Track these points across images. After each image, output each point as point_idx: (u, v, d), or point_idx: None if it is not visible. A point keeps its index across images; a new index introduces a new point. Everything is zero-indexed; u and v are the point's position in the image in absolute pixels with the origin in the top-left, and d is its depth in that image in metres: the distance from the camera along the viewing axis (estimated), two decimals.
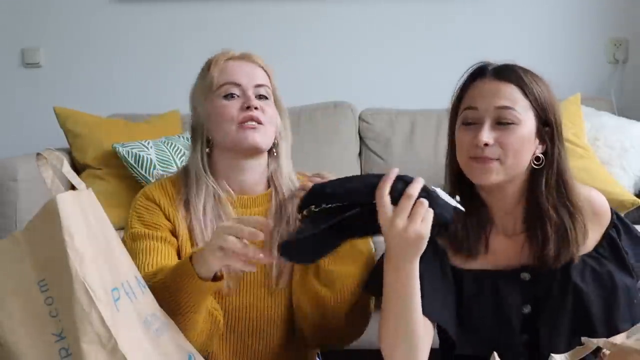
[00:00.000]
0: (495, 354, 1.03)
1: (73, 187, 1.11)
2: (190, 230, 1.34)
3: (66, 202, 1.04)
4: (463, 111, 1.25)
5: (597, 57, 2.99)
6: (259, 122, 1.34)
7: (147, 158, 2.41)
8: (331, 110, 2.78)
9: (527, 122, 1.22)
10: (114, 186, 2.45)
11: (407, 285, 1.12)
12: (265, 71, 1.41)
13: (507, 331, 1.24)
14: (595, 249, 1.28)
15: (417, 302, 1.14)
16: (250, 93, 1.36)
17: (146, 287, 1.16)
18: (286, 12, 2.99)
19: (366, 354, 1.44)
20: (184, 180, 1.38)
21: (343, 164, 2.68)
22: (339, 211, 1.11)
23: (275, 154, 1.41)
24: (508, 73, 1.24)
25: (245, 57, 1.41)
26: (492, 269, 1.27)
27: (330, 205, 1.12)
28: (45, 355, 1.02)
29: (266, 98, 1.38)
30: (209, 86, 1.37)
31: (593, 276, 1.25)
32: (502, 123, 1.21)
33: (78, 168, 2.54)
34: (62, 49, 3.01)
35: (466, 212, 1.24)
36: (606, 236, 1.28)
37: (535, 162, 1.25)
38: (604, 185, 2.22)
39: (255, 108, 1.34)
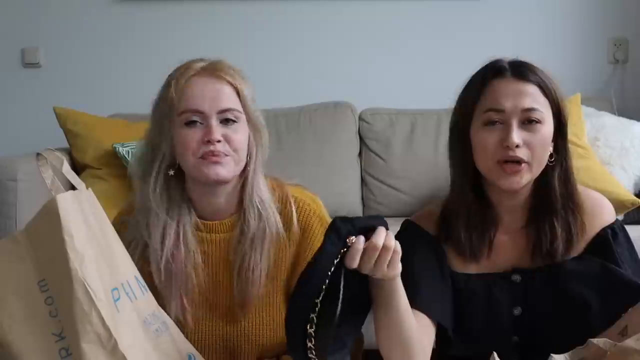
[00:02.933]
0: (495, 353, 1.03)
1: (73, 187, 1.11)
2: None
3: (66, 202, 1.04)
4: (485, 112, 1.21)
5: (597, 57, 2.99)
6: (225, 154, 1.24)
7: None
8: (331, 110, 2.77)
9: (548, 120, 1.22)
10: (114, 186, 2.44)
11: (391, 297, 1.11)
12: (233, 86, 1.26)
13: (498, 332, 1.24)
14: (586, 248, 1.26)
15: (404, 311, 1.13)
16: (213, 121, 1.23)
17: (146, 287, 1.16)
18: (287, 12, 2.98)
19: (366, 354, 1.44)
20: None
21: (343, 164, 2.67)
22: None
23: (248, 172, 1.30)
24: (527, 72, 1.22)
25: (210, 71, 1.26)
26: (486, 272, 1.27)
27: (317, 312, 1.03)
28: (45, 355, 1.02)
29: (234, 122, 1.25)
30: (169, 110, 1.25)
31: (585, 272, 1.23)
32: (528, 123, 1.20)
33: (78, 168, 2.53)
34: (62, 49, 3.00)
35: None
36: (599, 235, 1.26)
37: (549, 160, 1.24)
38: (604, 185, 2.22)
39: (218, 141, 1.23)
